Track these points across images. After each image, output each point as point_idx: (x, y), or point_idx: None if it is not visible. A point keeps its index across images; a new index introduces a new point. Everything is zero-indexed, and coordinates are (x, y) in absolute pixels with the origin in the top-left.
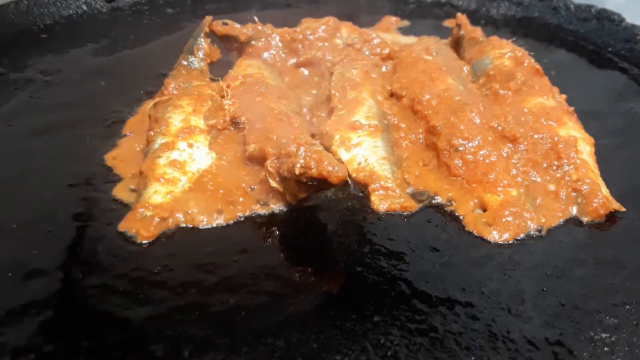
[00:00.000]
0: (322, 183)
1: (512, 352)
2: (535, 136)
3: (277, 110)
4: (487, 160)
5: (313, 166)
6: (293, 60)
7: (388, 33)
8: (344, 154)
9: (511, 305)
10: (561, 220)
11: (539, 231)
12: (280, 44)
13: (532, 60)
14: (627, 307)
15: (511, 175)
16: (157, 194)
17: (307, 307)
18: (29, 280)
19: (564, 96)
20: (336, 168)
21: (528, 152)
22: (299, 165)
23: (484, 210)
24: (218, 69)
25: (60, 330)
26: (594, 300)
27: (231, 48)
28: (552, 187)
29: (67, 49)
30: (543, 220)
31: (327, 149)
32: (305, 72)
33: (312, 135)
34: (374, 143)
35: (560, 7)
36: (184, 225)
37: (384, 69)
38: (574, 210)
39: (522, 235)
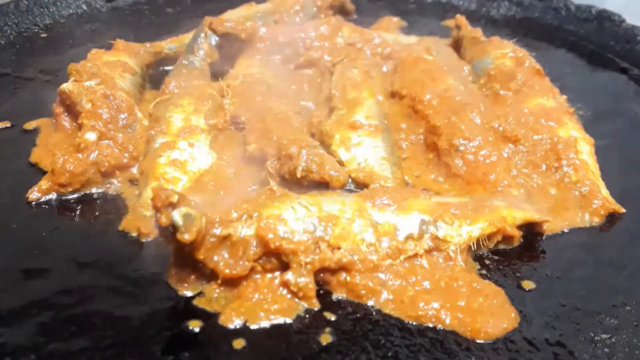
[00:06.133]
0: (322, 186)
1: (512, 352)
2: (535, 137)
3: (277, 110)
4: (488, 161)
5: (315, 170)
6: (294, 60)
7: (389, 33)
8: (344, 154)
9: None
10: (565, 225)
11: (542, 233)
12: (281, 43)
13: (533, 61)
14: (627, 308)
15: (511, 175)
16: None
17: (306, 307)
18: (29, 280)
19: (564, 97)
20: (337, 172)
21: (529, 153)
22: (300, 168)
23: None
24: (218, 69)
25: (60, 330)
26: (594, 301)
27: (232, 47)
28: (552, 191)
29: (67, 49)
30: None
31: (327, 148)
32: (306, 71)
33: (312, 135)
34: (374, 143)
35: (560, 7)
36: None
37: (384, 68)
38: (577, 216)
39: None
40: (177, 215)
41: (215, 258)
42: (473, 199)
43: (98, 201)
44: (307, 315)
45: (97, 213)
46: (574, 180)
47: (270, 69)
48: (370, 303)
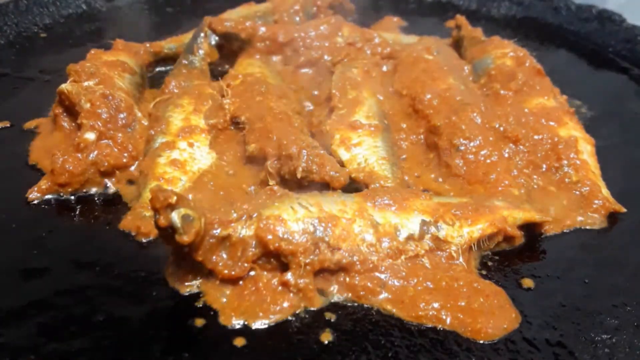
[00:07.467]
0: (323, 186)
1: (512, 353)
2: (536, 137)
3: (277, 110)
4: (488, 161)
5: (315, 170)
6: (294, 59)
7: (389, 33)
8: (344, 154)
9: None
10: (566, 227)
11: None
12: (281, 43)
13: (534, 61)
14: (628, 308)
15: (512, 175)
16: None
17: (306, 307)
18: (29, 280)
19: (564, 97)
20: (338, 173)
21: (529, 153)
22: (300, 168)
23: None
24: (218, 69)
25: (60, 330)
26: (595, 301)
27: (231, 47)
28: (552, 189)
29: (67, 49)
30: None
31: (327, 148)
32: (306, 71)
33: (312, 135)
34: (374, 143)
35: (561, 7)
36: None
37: (384, 68)
38: (578, 217)
39: None
40: (175, 217)
41: (214, 259)
42: (474, 199)
43: (97, 201)
44: (307, 315)
45: (96, 213)
46: (575, 181)
47: (270, 69)
48: (370, 303)
